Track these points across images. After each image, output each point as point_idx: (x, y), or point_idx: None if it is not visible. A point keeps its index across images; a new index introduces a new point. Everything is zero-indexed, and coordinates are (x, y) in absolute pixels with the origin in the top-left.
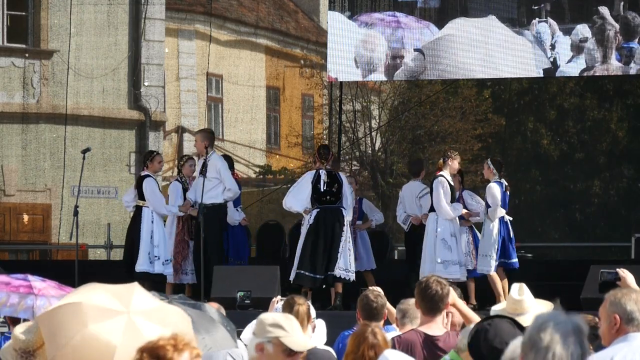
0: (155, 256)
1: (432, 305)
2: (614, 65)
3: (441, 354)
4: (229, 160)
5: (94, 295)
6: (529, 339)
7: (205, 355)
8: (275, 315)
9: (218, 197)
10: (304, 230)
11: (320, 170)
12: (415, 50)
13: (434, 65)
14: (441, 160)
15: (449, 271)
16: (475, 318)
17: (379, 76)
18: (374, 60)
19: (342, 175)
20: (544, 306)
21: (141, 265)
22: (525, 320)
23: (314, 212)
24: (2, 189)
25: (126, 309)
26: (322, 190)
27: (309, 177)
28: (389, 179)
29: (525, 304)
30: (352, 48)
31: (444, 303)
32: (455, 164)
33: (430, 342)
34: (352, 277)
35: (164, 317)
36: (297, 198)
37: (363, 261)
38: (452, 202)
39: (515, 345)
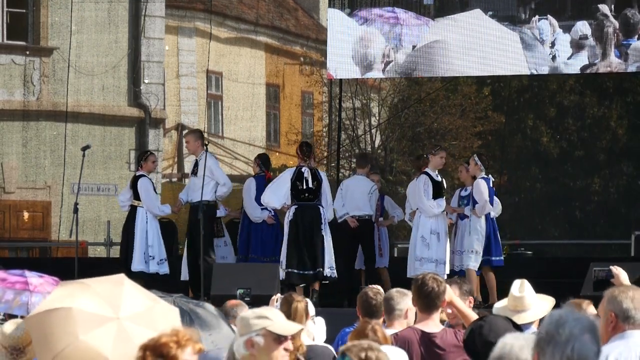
0: (150, 256)
1: (429, 302)
2: (614, 62)
3: (438, 350)
4: (266, 158)
5: (84, 299)
6: (546, 333)
7: (213, 352)
8: (254, 310)
9: (208, 195)
10: (285, 227)
11: (303, 168)
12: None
13: (428, 63)
14: (424, 156)
15: (424, 269)
16: (473, 316)
17: (376, 73)
18: (371, 58)
19: (323, 174)
20: (546, 302)
21: (137, 265)
22: (526, 317)
23: (293, 208)
24: (2, 186)
25: (116, 315)
26: (303, 187)
27: (288, 174)
28: (388, 176)
29: (526, 300)
30: (351, 45)
31: (440, 300)
32: (436, 159)
33: (427, 339)
34: (335, 274)
35: (154, 320)
36: (276, 194)
37: (384, 258)
38: (436, 198)
39: (504, 342)
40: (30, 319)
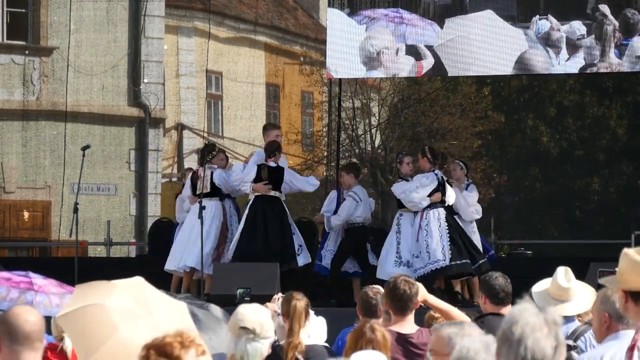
0: None
1: (402, 304)
2: (613, 62)
3: (416, 350)
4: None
5: (114, 296)
6: (502, 333)
7: (217, 355)
8: (252, 310)
9: None
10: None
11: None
12: (426, 46)
13: (450, 63)
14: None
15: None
16: (453, 310)
17: (381, 73)
18: (378, 57)
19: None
20: (587, 290)
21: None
22: (569, 308)
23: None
24: (2, 186)
25: (147, 310)
26: None
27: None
28: (388, 176)
29: (572, 291)
30: (357, 44)
31: (413, 302)
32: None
33: (404, 340)
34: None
35: (178, 318)
36: None
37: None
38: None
39: (461, 346)
40: (63, 317)
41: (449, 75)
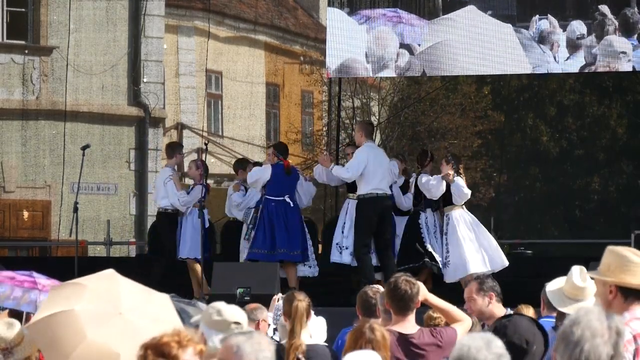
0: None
1: (403, 304)
2: (614, 62)
3: (417, 351)
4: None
5: (84, 299)
6: (562, 332)
7: None
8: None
9: None
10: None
11: None
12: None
13: (431, 64)
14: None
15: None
16: (453, 309)
17: (390, 73)
18: (384, 58)
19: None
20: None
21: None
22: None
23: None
24: (2, 185)
25: (118, 310)
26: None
27: None
28: None
29: (587, 290)
30: (361, 43)
31: (414, 302)
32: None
33: (404, 340)
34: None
35: (155, 311)
36: None
37: None
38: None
39: (462, 344)
40: (34, 326)
41: (428, 75)
